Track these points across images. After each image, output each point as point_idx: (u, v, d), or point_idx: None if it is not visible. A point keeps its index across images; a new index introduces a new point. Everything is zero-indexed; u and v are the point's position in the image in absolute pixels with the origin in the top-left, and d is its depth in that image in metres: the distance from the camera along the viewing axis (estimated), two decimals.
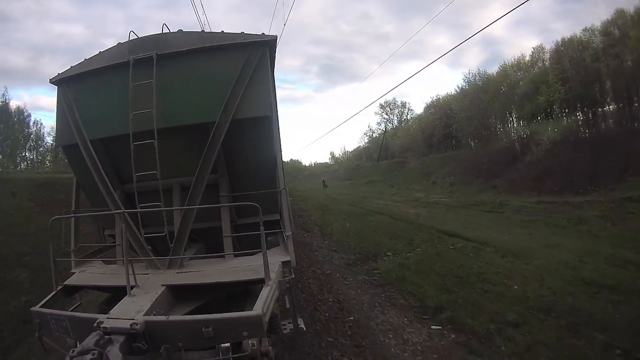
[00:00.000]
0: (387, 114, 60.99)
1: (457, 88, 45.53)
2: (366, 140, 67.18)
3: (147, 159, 3.74)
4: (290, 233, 3.97)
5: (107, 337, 2.54)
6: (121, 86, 3.86)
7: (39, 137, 41.66)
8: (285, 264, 3.70)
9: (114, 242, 4.40)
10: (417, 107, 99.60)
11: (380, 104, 59.51)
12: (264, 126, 3.98)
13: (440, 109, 45.91)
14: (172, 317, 2.83)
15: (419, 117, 52.88)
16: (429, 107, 50.39)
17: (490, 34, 72.55)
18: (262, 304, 2.80)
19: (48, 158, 41.15)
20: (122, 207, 3.78)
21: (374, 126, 66.26)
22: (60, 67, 9.77)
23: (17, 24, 72.02)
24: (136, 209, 3.70)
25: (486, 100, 33.39)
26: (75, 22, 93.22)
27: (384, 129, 56.82)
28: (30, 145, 41.24)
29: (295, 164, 76.36)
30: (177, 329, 2.71)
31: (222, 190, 4.12)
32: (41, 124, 42.03)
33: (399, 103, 60.45)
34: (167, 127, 3.78)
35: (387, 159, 51.21)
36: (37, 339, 3.15)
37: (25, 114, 41.10)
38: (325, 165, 79.59)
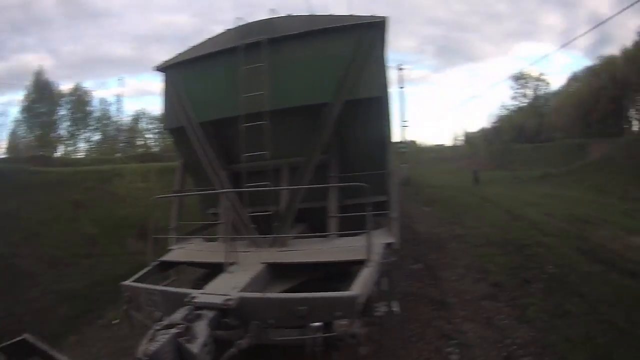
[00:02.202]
0: (522, 88, 50.12)
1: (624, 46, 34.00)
2: (494, 120, 55.96)
3: (256, 140, 3.85)
4: (396, 215, 3.99)
5: (197, 312, 2.52)
6: (229, 70, 4.01)
7: (106, 117, 39.60)
8: (388, 245, 3.62)
9: (217, 221, 4.40)
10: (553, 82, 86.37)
11: (514, 76, 49.10)
12: (377, 107, 4.03)
13: (599, 77, 34.41)
14: (267, 295, 2.84)
15: (571, 90, 40.62)
16: (575, 79, 41.08)
17: (598, 15, 64.26)
18: (360, 285, 2.79)
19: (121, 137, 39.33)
20: (228, 187, 3.96)
21: (508, 101, 53.80)
22: (167, 54, 8.58)
23: (118, 18, 75.55)
24: (241, 188, 3.91)
25: None
26: (180, 12, 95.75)
27: (539, 97, 42.32)
28: (93, 125, 38.85)
29: (415, 146, 62.21)
30: (270, 306, 2.70)
31: (331, 171, 4.12)
32: (109, 102, 40.38)
33: (534, 75, 49.14)
34: (278, 109, 3.85)
35: (541, 141, 38.31)
36: (124, 312, 3.15)
37: (84, 90, 38.91)
38: (449, 147, 63.32)
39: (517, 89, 50.50)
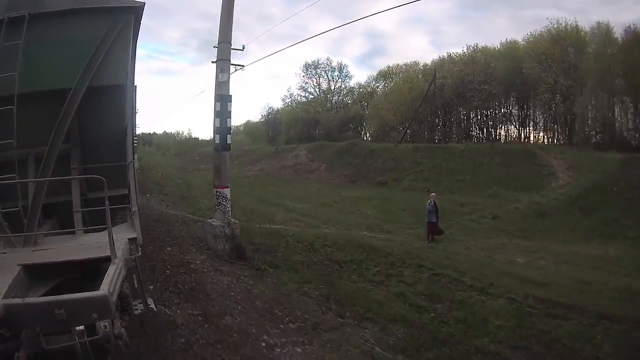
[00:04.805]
0: (313, 77, 43.87)
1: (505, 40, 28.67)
2: (265, 113, 48.25)
3: (7, 126, 3.53)
4: (136, 209, 3.93)
5: None
6: None
7: None
8: (131, 240, 3.55)
9: None
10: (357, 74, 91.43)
11: (306, 63, 43.45)
12: (119, 95, 3.93)
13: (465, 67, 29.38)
14: (27, 300, 2.68)
15: (407, 78, 34.23)
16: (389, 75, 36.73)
17: (375, 27, 69.51)
18: (108, 284, 2.72)
19: None
20: None
21: (296, 91, 45.91)
22: None
23: None
24: None
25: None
26: None
27: (431, 83, 29.28)
28: None
29: (182, 139, 51.42)
30: (32, 312, 2.57)
31: (73, 162, 4.00)
32: None
33: (334, 65, 43.23)
34: (27, 93, 3.60)
35: (399, 141, 28.45)
36: None
37: None
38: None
39: (310, 77, 43.68)
